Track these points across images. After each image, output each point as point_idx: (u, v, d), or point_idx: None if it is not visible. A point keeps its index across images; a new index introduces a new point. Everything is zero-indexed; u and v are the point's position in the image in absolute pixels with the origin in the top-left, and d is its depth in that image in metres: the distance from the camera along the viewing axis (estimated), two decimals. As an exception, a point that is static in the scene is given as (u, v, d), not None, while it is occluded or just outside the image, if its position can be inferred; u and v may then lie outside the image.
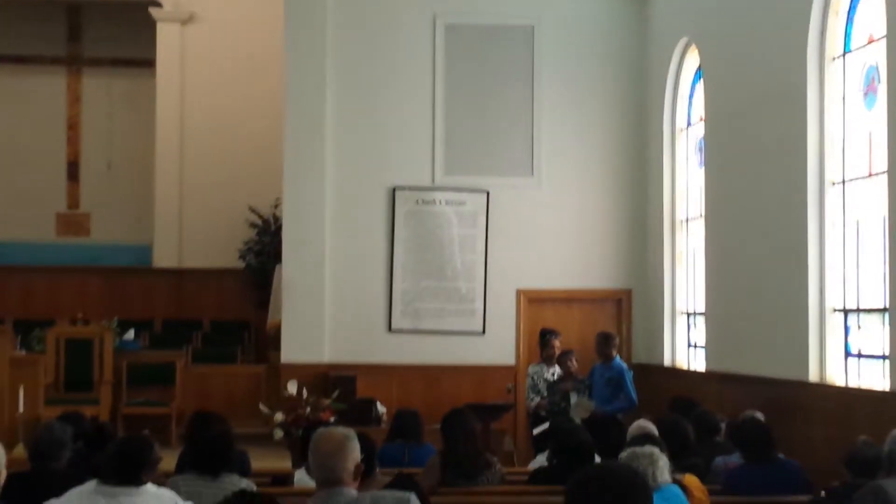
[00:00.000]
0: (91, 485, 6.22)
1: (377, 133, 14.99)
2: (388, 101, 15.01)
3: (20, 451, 9.59)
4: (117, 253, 19.98)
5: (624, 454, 6.58)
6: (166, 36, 20.00)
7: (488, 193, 14.94)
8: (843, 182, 10.47)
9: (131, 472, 6.16)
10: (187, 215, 19.79)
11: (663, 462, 6.52)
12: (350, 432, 5.18)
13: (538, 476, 8.39)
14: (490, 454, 8.61)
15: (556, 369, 12.96)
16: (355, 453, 5.04)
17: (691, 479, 7.38)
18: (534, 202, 15.03)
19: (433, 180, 14.96)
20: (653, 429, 8.32)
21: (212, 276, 19.41)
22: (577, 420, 11.95)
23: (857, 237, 10.28)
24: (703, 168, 13.44)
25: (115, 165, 20.44)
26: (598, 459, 8.55)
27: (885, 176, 9.44)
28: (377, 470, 6.83)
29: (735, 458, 8.40)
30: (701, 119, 13.66)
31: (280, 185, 15.33)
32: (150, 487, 6.27)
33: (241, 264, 19.20)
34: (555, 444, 8.51)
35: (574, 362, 12.70)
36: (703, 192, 13.37)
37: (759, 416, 8.92)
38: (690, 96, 14.34)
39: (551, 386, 12.69)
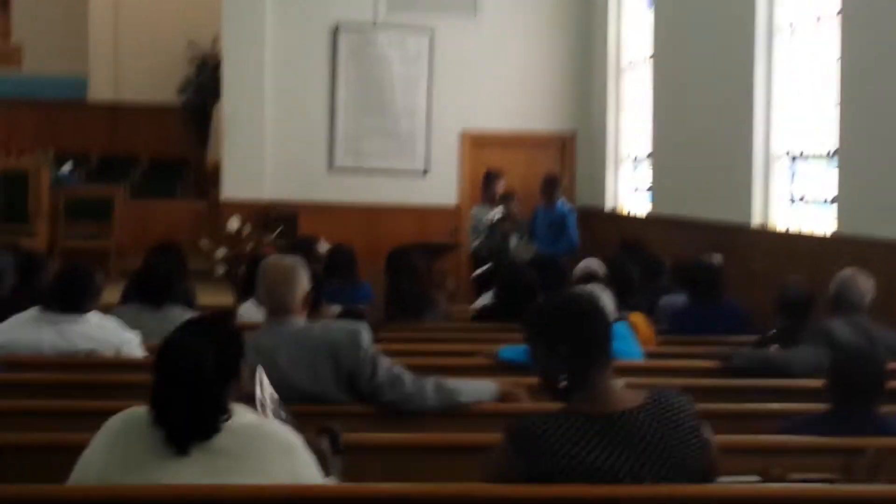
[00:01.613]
0: (33, 311, 6.13)
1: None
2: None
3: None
4: (50, 86, 19.41)
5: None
6: None
7: (432, 31, 14.68)
8: (792, 25, 10.37)
9: (75, 299, 6.09)
10: (123, 48, 19.30)
11: (607, 299, 6.54)
12: (298, 261, 5.11)
13: (483, 313, 8.40)
14: (435, 292, 8.61)
15: (500, 211, 12.90)
16: (304, 283, 4.98)
17: (637, 317, 7.42)
18: (478, 42, 14.81)
19: (376, 18, 14.65)
20: (598, 268, 8.32)
21: (150, 112, 19.04)
22: (520, 254, 12.01)
23: (805, 81, 10.22)
24: (653, 8, 13.23)
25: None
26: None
27: (838, 18, 9.34)
28: (324, 303, 6.79)
29: (680, 299, 8.45)
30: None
31: (220, 19, 14.95)
32: (93, 316, 6.20)
33: (180, 100, 18.84)
34: (500, 283, 8.51)
35: (516, 204, 12.64)
36: (652, 33, 13.18)
37: (717, 256, 8.93)
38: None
39: (492, 227, 12.65)
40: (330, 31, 14.61)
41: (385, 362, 4.87)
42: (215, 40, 17.06)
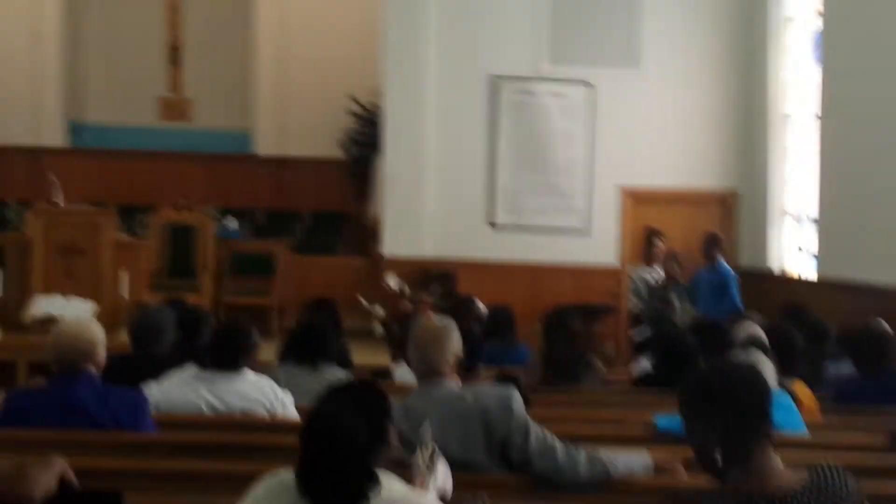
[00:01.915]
0: (190, 369, 6.20)
1: (479, 20, 14.59)
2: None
3: (123, 335, 9.64)
4: (218, 139, 19.96)
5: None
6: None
7: (593, 85, 14.57)
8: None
9: (230, 357, 6.14)
10: (287, 102, 19.67)
11: (768, 366, 6.33)
12: (450, 323, 5.06)
13: (643, 381, 8.23)
14: (592, 356, 8.47)
15: (660, 272, 12.71)
16: (455, 345, 4.94)
17: (799, 386, 7.18)
18: (639, 95, 14.60)
19: (536, 70, 14.62)
20: (760, 333, 8.08)
21: (313, 166, 19.31)
22: (680, 318, 11.78)
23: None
24: (822, 64, 12.89)
25: (216, 50, 20.30)
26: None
27: None
28: (479, 365, 6.72)
29: (845, 367, 8.15)
30: (819, 13, 13.08)
31: (380, 74, 15.09)
32: (248, 374, 6.24)
33: (340, 154, 19.06)
34: (659, 349, 8.34)
35: (677, 266, 12.42)
36: (821, 89, 12.84)
37: (882, 325, 8.59)
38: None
39: (653, 290, 12.46)
40: (490, 83, 14.61)
41: (537, 430, 4.77)
42: (375, 93, 17.24)
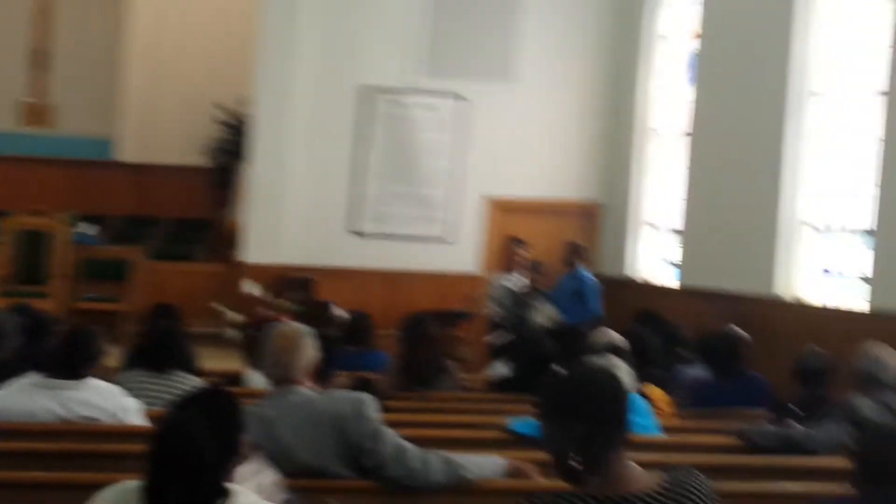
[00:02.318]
0: (32, 377, 5.96)
1: (354, 31, 14.48)
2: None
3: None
4: (81, 146, 19.42)
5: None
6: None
7: (462, 97, 14.57)
8: (826, 97, 10.23)
9: (73, 365, 5.92)
10: (154, 110, 19.25)
11: (625, 371, 6.35)
12: (305, 329, 4.95)
13: (499, 385, 8.20)
14: (447, 360, 8.42)
15: (522, 279, 12.73)
16: (311, 352, 4.83)
17: (654, 390, 7.23)
18: (507, 108, 14.63)
19: (411, 82, 14.56)
20: (617, 338, 8.11)
21: (175, 173, 18.92)
22: (540, 323, 11.81)
23: (841, 152, 10.06)
24: (695, 84, 13.06)
25: (85, 57, 19.82)
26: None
27: (886, 97, 9.17)
28: (335, 372, 6.60)
29: (700, 371, 8.24)
30: (697, 35, 13.25)
31: (247, 83, 14.90)
32: (92, 381, 6.03)
33: (204, 162, 18.79)
34: (518, 354, 8.33)
35: (539, 274, 12.46)
36: (694, 106, 13.02)
37: (736, 330, 8.71)
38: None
39: (513, 296, 12.48)
40: (359, 94, 14.51)
41: (390, 435, 4.68)
42: (241, 102, 17.03)
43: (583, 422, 3.24)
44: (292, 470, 4.43)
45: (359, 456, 4.62)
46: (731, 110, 11.94)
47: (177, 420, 3.20)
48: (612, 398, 3.26)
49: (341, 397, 4.84)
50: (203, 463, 3.05)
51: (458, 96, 14.53)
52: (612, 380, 3.36)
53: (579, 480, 3.24)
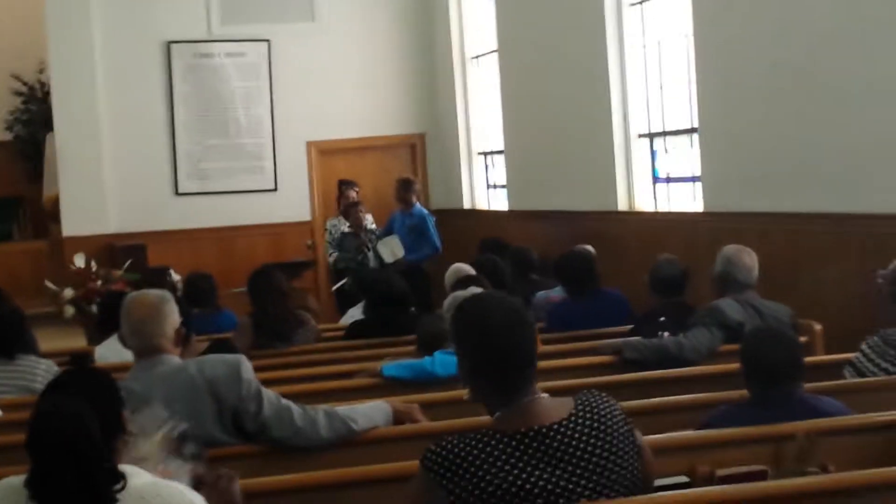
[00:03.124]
0: None
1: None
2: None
3: None
4: None
5: (448, 299, 6.27)
6: None
7: (269, 42, 14.24)
8: (641, 1, 10.24)
9: None
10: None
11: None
12: (166, 294, 4.68)
13: (356, 329, 8.03)
14: (302, 311, 8.21)
15: (345, 223, 12.52)
16: (173, 317, 4.56)
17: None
18: (317, 48, 14.39)
19: (209, 31, 14.16)
20: (471, 270, 8.04)
21: (-25, 151, 18.10)
22: (388, 257, 11.68)
23: (659, 58, 10.09)
24: (495, 2, 12.97)
25: None
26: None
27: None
28: (193, 336, 6.33)
29: (556, 293, 8.22)
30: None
31: (44, 49, 14.27)
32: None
33: (8, 136, 17.98)
34: (371, 295, 8.15)
35: (362, 213, 12.28)
36: (496, 23, 12.93)
37: (587, 248, 8.71)
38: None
39: (343, 239, 12.27)
40: (162, 48, 14.04)
41: (270, 395, 4.47)
42: (41, 69, 16.34)
43: (469, 354, 3.14)
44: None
45: (239, 420, 4.40)
46: (531, 28, 11.89)
47: (54, 403, 2.94)
48: (505, 329, 3.13)
49: (213, 361, 4.59)
50: (86, 445, 2.81)
51: (262, 41, 14.18)
52: (510, 311, 3.22)
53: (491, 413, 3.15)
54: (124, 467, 2.93)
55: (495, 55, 13.09)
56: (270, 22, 14.25)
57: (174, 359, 4.48)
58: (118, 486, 2.84)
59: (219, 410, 4.37)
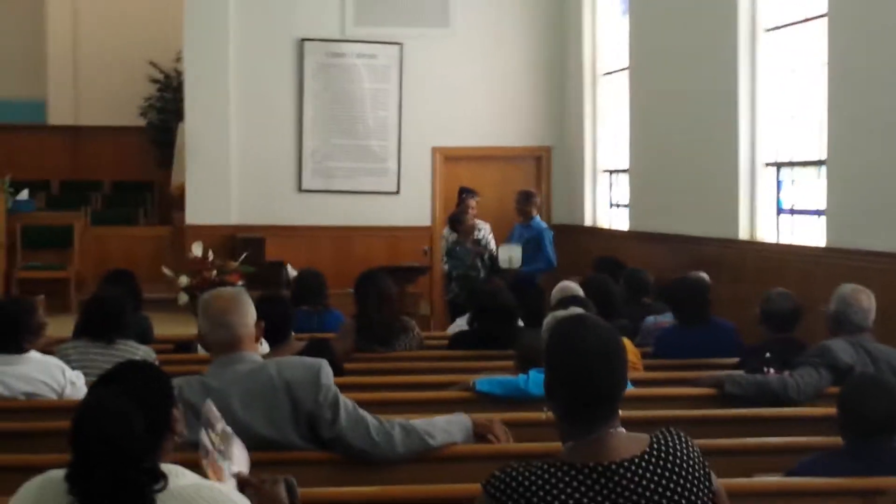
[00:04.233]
0: (-32, 354, 5.64)
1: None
2: (296, -53, 14.18)
3: None
4: (10, 109, 18.80)
5: (548, 318, 6.12)
6: None
7: (401, 46, 14.24)
8: (777, 28, 9.97)
9: (9, 338, 5.61)
10: (83, 69, 18.74)
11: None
12: (241, 290, 4.63)
13: (459, 339, 7.95)
14: (407, 318, 8.14)
15: (452, 234, 12.42)
16: (253, 311, 4.48)
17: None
18: (449, 55, 14.35)
19: (343, 32, 14.22)
20: (578, 289, 7.89)
21: (111, 134, 18.47)
22: (505, 263, 11.58)
23: (792, 86, 9.81)
24: (628, 15, 12.79)
25: (6, 17, 19.14)
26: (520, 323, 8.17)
27: (825, 20, 8.94)
28: (292, 335, 6.31)
29: (666, 319, 8.02)
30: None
31: (181, 38, 14.48)
32: (34, 355, 5.75)
33: (141, 122, 18.34)
34: (476, 307, 8.06)
35: (473, 220, 12.18)
36: (628, 42, 12.75)
37: (703, 275, 8.50)
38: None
39: (454, 248, 12.16)
40: (296, 46, 14.15)
41: (348, 404, 4.37)
42: (178, 59, 16.60)
43: (553, 376, 3.01)
44: (246, 444, 4.15)
45: (316, 426, 4.32)
46: (664, 41, 11.69)
47: (99, 397, 2.89)
48: (595, 357, 2.99)
49: (293, 363, 4.52)
50: (132, 442, 2.75)
51: (395, 44, 14.18)
52: (604, 339, 3.06)
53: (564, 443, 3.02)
54: (168, 467, 2.87)
55: (626, 73, 12.90)
56: (404, 25, 14.25)
57: (254, 356, 4.43)
58: (158, 487, 2.79)
59: (295, 414, 4.30)
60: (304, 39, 14.14)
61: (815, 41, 9.23)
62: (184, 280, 11.09)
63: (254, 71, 14.12)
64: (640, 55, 12.44)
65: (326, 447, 4.31)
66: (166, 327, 9.72)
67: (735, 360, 6.98)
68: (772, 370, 6.11)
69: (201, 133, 14.04)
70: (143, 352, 6.39)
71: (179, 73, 16.62)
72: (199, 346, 7.48)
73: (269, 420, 4.26)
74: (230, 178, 14.07)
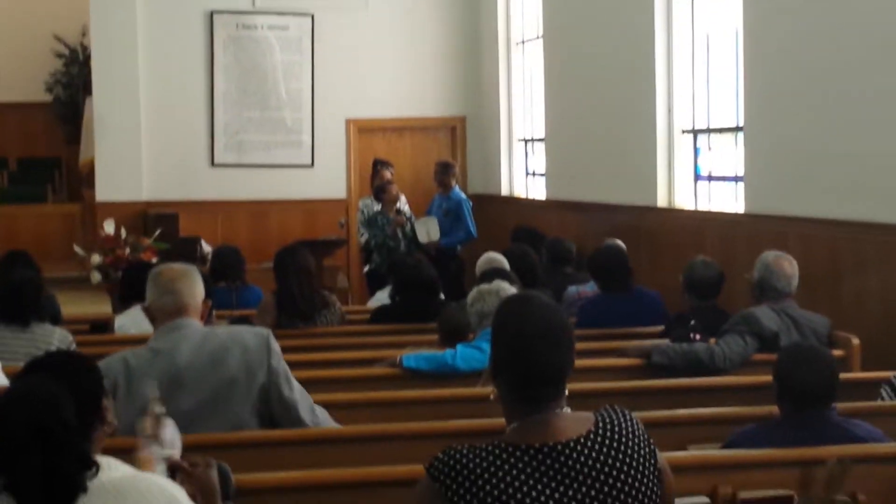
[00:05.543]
0: None
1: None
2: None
3: None
4: None
5: (472, 292, 6.08)
6: None
7: (313, 17, 14.06)
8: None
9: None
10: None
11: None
12: (192, 267, 4.55)
13: (381, 314, 7.89)
14: (328, 292, 8.05)
15: (375, 204, 12.33)
16: (201, 288, 4.40)
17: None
18: (361, 25, 14.19)
19: (253, 3, 14.00)
20: (503, 261, 7.86)
21: (16, 110, 18.03)
22: (423, 237, 11.53)
23: (708, 53, 9.84)
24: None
25: None
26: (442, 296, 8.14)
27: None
28: (214, 313, 6.19)
29: (589, 288, 8.02)
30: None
31: (87, 11, 14.16)
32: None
33: (48, 97, 17.93)
34: (398, 280, 8.01)
35: (395, 191, 12.10)
36: (542, 9, 12.70)
37: (619, 244, 8.51)
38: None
39: (375, 218, 12.07)
40: (205, 18, 13.91)
41: (294, 379, 4.33)
42: (84, 33, 16.25)
43: (499, 356, 2.95)
44: (193, 406, 4.09)
45: (267, 397, 4.22)
46: (577, 13, 11.67)
47: (27, 384, 2.80)
48: (541, 340, 2.93)
49: (242, 329, 4.45)
50: (62, 428, 2.68)
51: (306, 14, 14.00)
52: (552, 321, 3.00)
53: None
54: (101, 459, 2.78)
55: (540, 41, 12.86)
56: (315, -4, 14.08)
57: (200, 324, 4.33)
58: (89, 474, 2.70)
59: (248, 381, 4.19)
60: (213, 12, 13.90)
61: (731, 7, 9.24)
62: (96, 259, 10.87)
63: (162, 44, 13.85)
64: (554, 23, 12.40)
65: (273, 424, 4.22)
66: (78, 307, 9.54)
67: (660, 328, 7.00)
68: (697, 337, 6.13)
69: (110, 108, 13.74)
70: (59, 334, 6.24)
71: (86, 48, 16.26)
72: (116, 327, 7.35)
73: (220, 370, 4.16)
74: (141, 153, 13.80)
